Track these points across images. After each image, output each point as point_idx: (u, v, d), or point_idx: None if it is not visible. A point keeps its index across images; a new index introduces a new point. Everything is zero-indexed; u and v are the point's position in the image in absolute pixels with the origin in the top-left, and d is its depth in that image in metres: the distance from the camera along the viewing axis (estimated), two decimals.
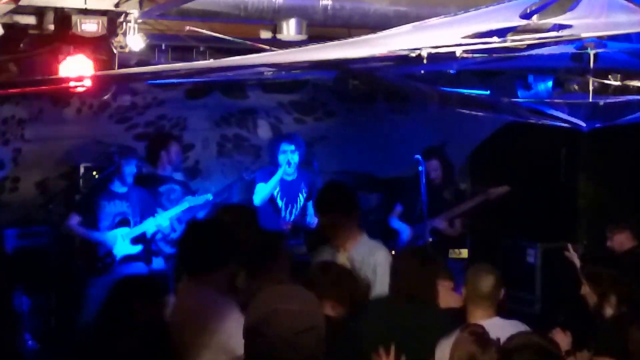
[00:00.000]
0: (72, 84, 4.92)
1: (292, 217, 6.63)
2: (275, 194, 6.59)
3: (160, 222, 6.31)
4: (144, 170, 6.59)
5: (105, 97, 6.40)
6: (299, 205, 6.64)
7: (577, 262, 5.20)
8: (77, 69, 4.63)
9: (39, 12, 4.54)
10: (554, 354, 3.08)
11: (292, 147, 6.46)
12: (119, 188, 6.30)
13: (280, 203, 6.61)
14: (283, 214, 6.61)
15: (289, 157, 6.45)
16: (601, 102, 4.94)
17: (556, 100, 5.42)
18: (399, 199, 6.83)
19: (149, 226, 6.29)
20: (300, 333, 2.14)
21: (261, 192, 6.50)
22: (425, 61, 3.71)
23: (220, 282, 3.54)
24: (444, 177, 6.78)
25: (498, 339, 3.22)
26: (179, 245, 3.75)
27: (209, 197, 6.50)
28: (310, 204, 6.56)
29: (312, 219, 6.45)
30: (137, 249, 6.29)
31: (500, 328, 3.59)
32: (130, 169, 6.30)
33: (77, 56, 4.63)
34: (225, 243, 3.58)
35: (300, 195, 6.64)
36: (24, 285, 6.09)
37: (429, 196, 6.21)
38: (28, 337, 5.95)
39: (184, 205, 6.40)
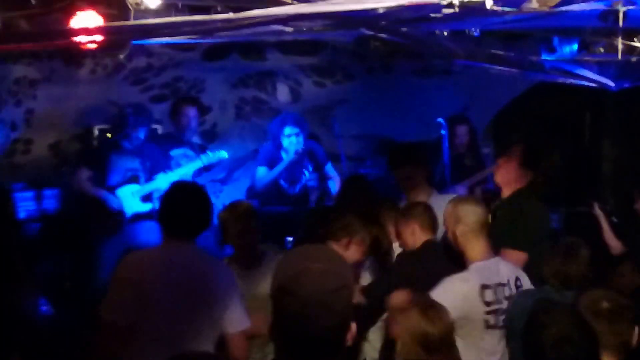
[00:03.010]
0: (83, 38, 4.82)
1: (296, 190, 6.53)
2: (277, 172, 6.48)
3: (173, 179, 6.20)
4: (160, 130, 6.49)
5: (120, 58, 6.30)
6: (302, 182, 6.55)
7: (604, 221, 5.10)
8: (88, 23, 4.54)
9: None
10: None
11: (297, 131, 6.33)
12: (130, 144, 6.24)
13: (283, 184, 6.53)
14: (286, 192, 6.53)
15: (293, 141, 6.32)
16: (633, 59, 4.79)
17: (585, 58, 5.27)
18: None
19: (161, 183, 6.16)
20: (331, 292, 2.07)
21: (264, 179, 6.40)
22: (457, 9, 3.58)
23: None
24: (469, 144, 6.68)
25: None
26: (165, 205, 3.63)
27: (224, 154, 6.37)
28: (327, 168, 6.45)
29: (334, 184, 6.36)
30: (148, 207, 6.19)
31: (505, 270, 3.61)
32: (142, 128, 6.23)
33: (88, 11, 4.54)
34: (209, 207, 3.59)
35: (305, 171, 6.54)
36: (38, 249, 6.05)
37: (452, 162, 6.11)
38: (43, 302, 5.90)
39: (197, 163, 6.29)
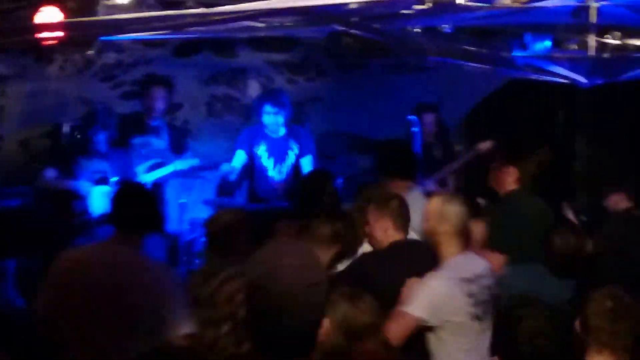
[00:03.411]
0: (49, 34, 4.76)
1: (283, 176, 6.49)
2: (261, 152, 6.45)
3: (145, 180, 6.16)
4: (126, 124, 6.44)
5: (90, 54, 6.23)
6: (288, 163, 6.50)
7: (573, 218, 5.12)
8: (53, 19, 4.48)
9: None
10: None
11: (276, 110, 6.29)
12: (98, 147, 6.18)
13: (267, 163, 6.48)
14: (271, 173, 6.47)
15: (272, 119, 6.31)
16: (605, 55, 4.81)
17: (557, 55, 5.29)
18: None
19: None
20: (305, 288, 2.06)
21: (239, 159, 6.39)
22: (430, 5, 3.57)
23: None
24: (437, 135, 6.67)
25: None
26: (116, 202, 3.69)
27: (196, 162, 6.36)
28: (305, 160, 6.43)
29: None
30: None
31: (479, 263, 3.63)
32: (109, 131, 6.18)
33: (52, 7, 4.49)
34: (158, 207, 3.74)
35: (289, 152, 6.50)
36: (9, 246, 5.98)
37: (422, 155, 6.11)
38: (15, 295, 5.85)
39: (169, 168, 6.26)
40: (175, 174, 6.35)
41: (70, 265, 3.48)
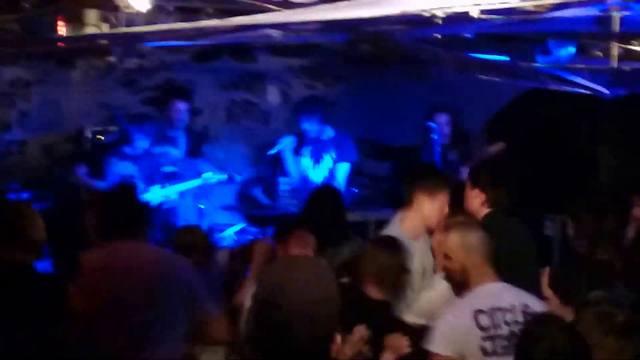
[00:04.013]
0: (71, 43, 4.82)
1: (319, 178, 6.54)
2: (303, 151, 6.56)
3: (169, 194, 6.23)
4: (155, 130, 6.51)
5: (112, 60, 6.30)
6: (325, 166, 6.53)
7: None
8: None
9: None
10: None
11: (312, 121, 6.44)
12: (130, 151, 6.29)
13: (306, 162, 6.54)
14: (309, 172, 6.54)
15: (312, 127, 6.44)
16: (627, 68, 4.72)
17: (578, 66, 5.21)
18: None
19: (156, 195, 6.21)
20: (316, 303, 2.07)
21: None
22: (439, 21, 3.54)
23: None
24: (453, 138, 6.60)
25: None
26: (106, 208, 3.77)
27: (224, 177, 6.45)
28: (341, 166, 6.46)
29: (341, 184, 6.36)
30: None
31: (508, 295, 3.43)
32: (140, 135, 6.25)
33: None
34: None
35: (327, 156, 6.53)
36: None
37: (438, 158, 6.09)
38: None
39: (197, 182, 6.35)
40: (203, 187, 6.43)
41: (98, 264, 3.54)
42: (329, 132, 6.56)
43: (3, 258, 3.54)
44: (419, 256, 4.07)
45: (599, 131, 7.22)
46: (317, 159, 6.55)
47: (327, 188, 5.33)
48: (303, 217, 4.59)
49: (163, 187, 6.25)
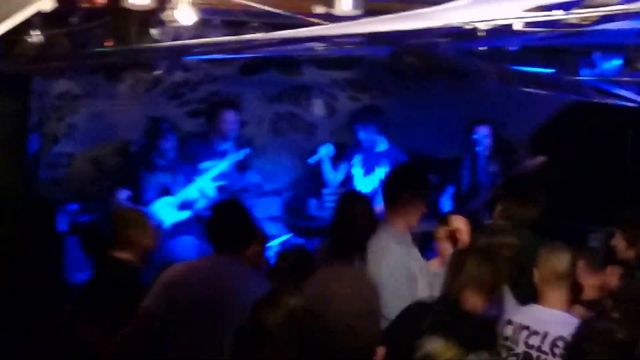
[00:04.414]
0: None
1: (369, 189, 6.56)
2: (354, 162, 6.61)
3: (202, 185, 6.27)
4: (193, 144, 6.56)
5: (158, 73, 6.38)
6: (376, 177, 6.57)
7: None
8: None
9: None
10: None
11: (368, 130, 6.54)
12: (162, 160, 6.35)
13: (358, 170, 6.56)
14: (358, 182, 6.56)
15: (366, 136, 6.53)
16: None
17: (624, 79, 5.14)
18: (452, 179, 6.67)
19: (191, 191, 6.28)
20: (357, 316, 2.08)
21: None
22: (482, 34, 3.53)
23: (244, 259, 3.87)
24: (494, 149, 6.57)
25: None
26: (208, 222, 3.97)
27: (246, 150, 6.52)
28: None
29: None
30: (186, 214, 6.28)
31: (548, 323, 3.43)
32: (170, 144, 6.33)
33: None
34: (251, 221, 3.93)
35: (379, 168, 6.56)
36: (80, 260, 6.16)
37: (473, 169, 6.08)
38: None
39: (223, 165, 6.38)
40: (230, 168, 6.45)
41: (176, 277, 3.77)
42: (383, 145, 6.58)
43: (112, 257, 4.13)
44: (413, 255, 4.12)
45: None
46: (368, 169, 6.58)
47: (354, 193, 5.33)
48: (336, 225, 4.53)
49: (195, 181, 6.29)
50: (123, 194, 6.30)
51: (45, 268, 5.77)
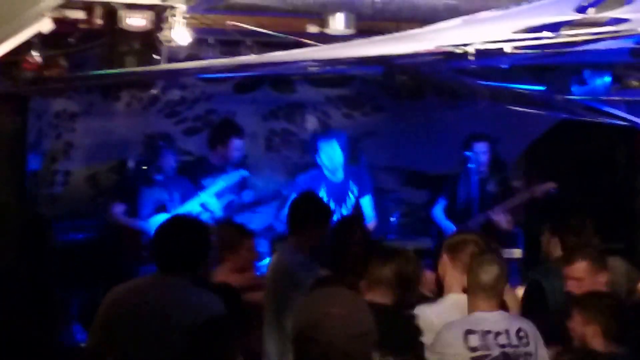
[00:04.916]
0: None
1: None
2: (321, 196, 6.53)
3: (205, 200, 6.33)
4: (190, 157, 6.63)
5: (155, 91, 6.44)
6: (349, 204, 6.56)
7: None
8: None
9: (88, 6, 4.58)
10: None
11: (334, 151, 6.43)
12: (160, 176, 6.40)
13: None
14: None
15: (331, 160, 6.42)
16: None
17: (614, 98, 5.22)
18: (446, 194, 6.72)
19: (193, 206, 6.33)
20: (352, 338, 2.09)
21: None
22: (472, 58, 3.61)
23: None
24: (492, 168, 6.62)
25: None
26: (155, 241, 3.64)
27: (244, 172, 6.56)
28: (364, 200, 6.48)
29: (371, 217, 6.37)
30: None
31: (503, 321, 3.61)
32: (168, 161, 6.37)
33: None
34: (203, 240, 3.58)
35: (350, 194, 6.55)
36: (74, 278, 6.20)
37: (468, 185, 6.12)
38: (78, 329, 6.02)
39: (220, 184, 6.42)
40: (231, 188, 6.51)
41: (116, 302, 3.55)
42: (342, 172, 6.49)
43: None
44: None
45: (637, 159, 7.17)
46: (337, 201, 6.50)
47: (352, 219, 5.37)
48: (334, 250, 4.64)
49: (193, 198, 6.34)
50: (119, 208, 6.36)
51: (40, 284, 5.79)
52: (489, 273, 3.62)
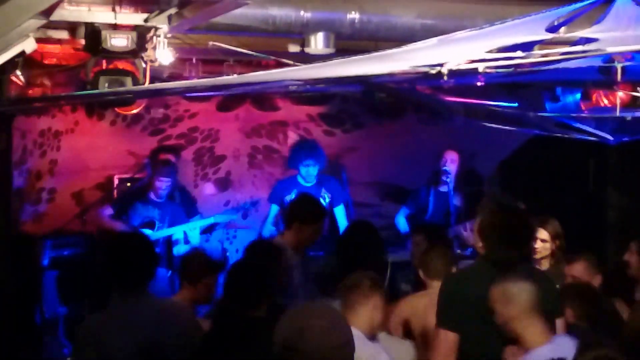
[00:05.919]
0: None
1: None
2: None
3: (188, 230, 6.45)
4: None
5: (138, 110, 6.55)
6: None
7: None
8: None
9: (71, 27, 4.64)
10: None
11: (312, 162, 6.54)
12: (155, 197, 6.52)
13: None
14: None
15: (308, 170, 6.55)
16: (628, 117, 4.89)
17: (583, 115, 5.38)
18: (410, 203, 6.91)
19: (176, 231, 6.48)
20: (334, 349, 2.16)
21: (273, 213, 6.64)
22: (445, 78, 3.73)
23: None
24: (465, 179, 6.75)
25: None
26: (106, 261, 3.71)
27: (234, 217, 6.75)
28: (338, 209, 6.61)
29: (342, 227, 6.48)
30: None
31: None
32: (164, 184, 6.48)
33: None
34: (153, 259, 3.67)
35: (320, 199, 6.65)
36: (60, 294, 6.25)
37: (439, 198, 6.23)
38: (65, 343, 6.08)
39: (210, 220, 6.61)
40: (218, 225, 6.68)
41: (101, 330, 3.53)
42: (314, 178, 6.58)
43: None
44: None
45: (607, 172, 7.31)
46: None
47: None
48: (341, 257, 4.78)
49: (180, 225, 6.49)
50: (107, 211, 6.47)
51: (26, 302, 5.84)
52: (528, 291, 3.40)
